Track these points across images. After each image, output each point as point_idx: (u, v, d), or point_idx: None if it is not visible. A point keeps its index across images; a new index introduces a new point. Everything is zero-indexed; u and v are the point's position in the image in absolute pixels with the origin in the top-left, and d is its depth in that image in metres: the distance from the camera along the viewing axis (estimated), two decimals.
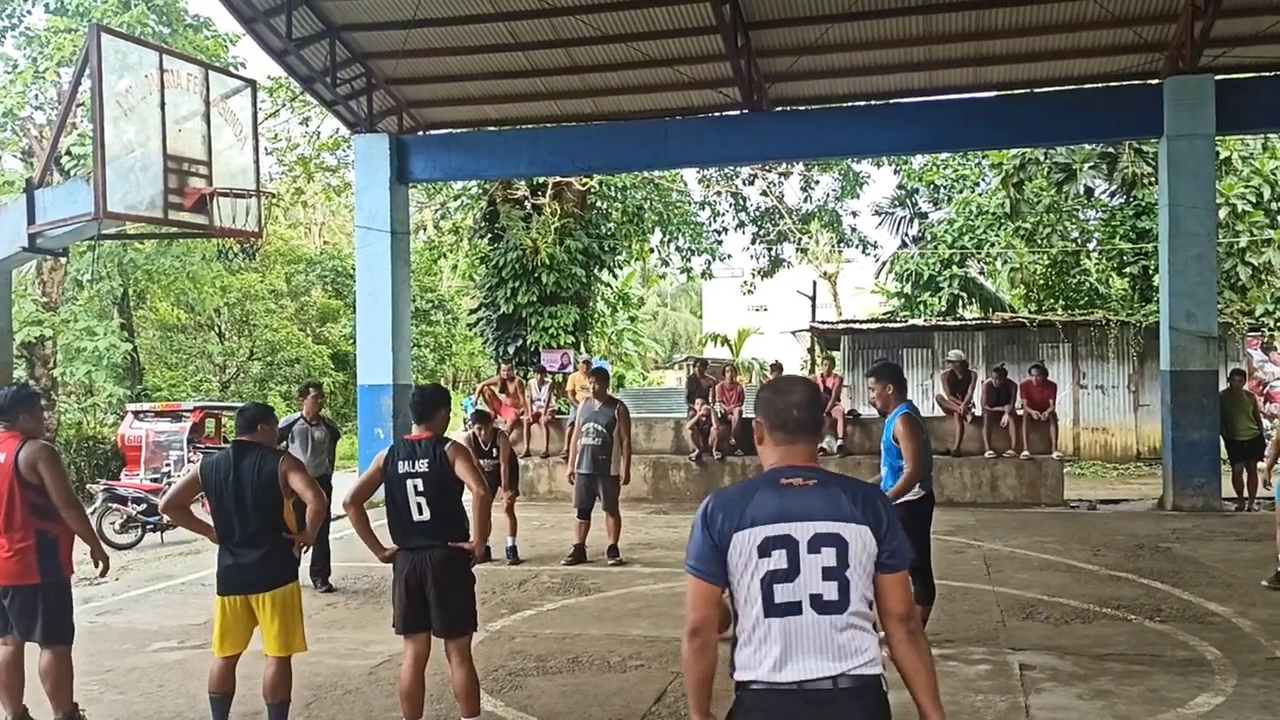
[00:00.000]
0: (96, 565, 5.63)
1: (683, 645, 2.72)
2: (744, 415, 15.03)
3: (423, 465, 5.19)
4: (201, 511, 5.58)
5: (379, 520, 5.37)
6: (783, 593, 2.60)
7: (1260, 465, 12.61)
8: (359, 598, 8.90)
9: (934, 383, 17.52)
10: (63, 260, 19.53)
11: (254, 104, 9.51)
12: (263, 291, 29.55)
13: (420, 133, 16.47)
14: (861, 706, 2.62)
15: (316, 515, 5.42)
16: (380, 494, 5.46)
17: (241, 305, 28.87)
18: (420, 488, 5.18)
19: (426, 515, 5.18)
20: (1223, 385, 13.81)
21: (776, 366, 16.11)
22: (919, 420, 6.37)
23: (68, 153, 18.95)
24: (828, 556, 2.60)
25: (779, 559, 2.60)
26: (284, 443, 10.58)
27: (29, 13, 21.93)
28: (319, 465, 9.59)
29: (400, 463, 5.23)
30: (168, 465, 16.76)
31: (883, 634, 2.71)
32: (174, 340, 28.74)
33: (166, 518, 12.88)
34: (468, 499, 5.32)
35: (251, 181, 9.19)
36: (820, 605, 2.60)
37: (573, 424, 15.24)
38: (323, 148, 21.95)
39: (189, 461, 15.35)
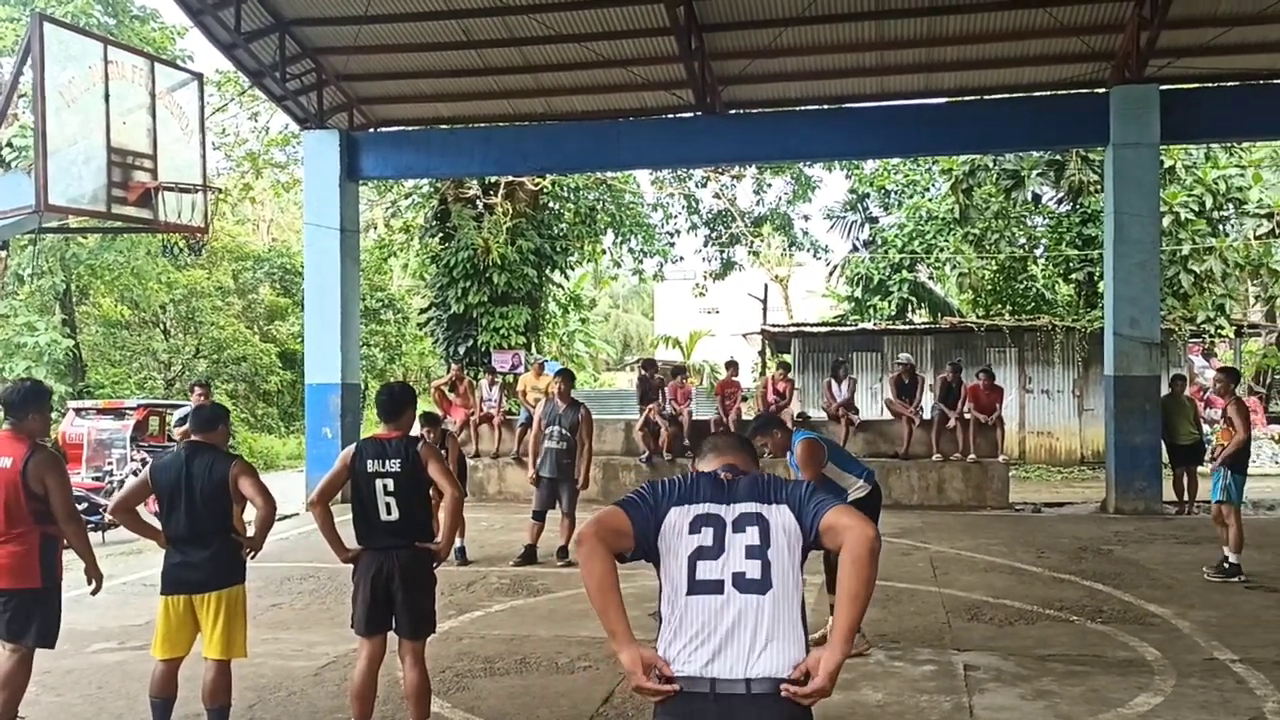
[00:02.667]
0: (90, 582, 5.51)
1: (580, 556, 2.73)
2: (694, 417, 15.06)
3: (394, 465, 5.12)
4: (148, 514, 5.46)
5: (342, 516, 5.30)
6: (705, 569, 2.68)
7: (1202, 470, 12.86)
8: (304, 598, 8.78)
9: (883, 386, 17.68)
10: (3, 254, 19.10)
11: (200, 97, 9.37)
12: (209, 288, 29.12)
13: (371, 130, 16.32)
14: (776, 710, 2.59)
15: (266, 521, 5.33)
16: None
17: (187, 302, 28.43)
18: (390, 487, 5.11)
19: (395, 515, 5.12)
20: (1165, 391, 14.07)
21: (731, 364, 16.13)
22: (816, 442, 6.73)
23: (9, 144, 18.53)
24: (751, 535, 2.70)
25: (706, 536, 2.72)
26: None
27: None
28: None
29: (369, 461, 5.15)
30: (110, 464, 16.44)
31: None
32: (118, 337, 28.21)
33: (110, 518, 12.72)
34: None
35: (197, 176, 9.05)
36: (742, 584, 2.65)
37: (525, 424, 15.22)
38: (272, 143, 21.67)
39: (131, 460, 15.08)
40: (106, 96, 8.16)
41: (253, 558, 5.43)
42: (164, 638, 5.24)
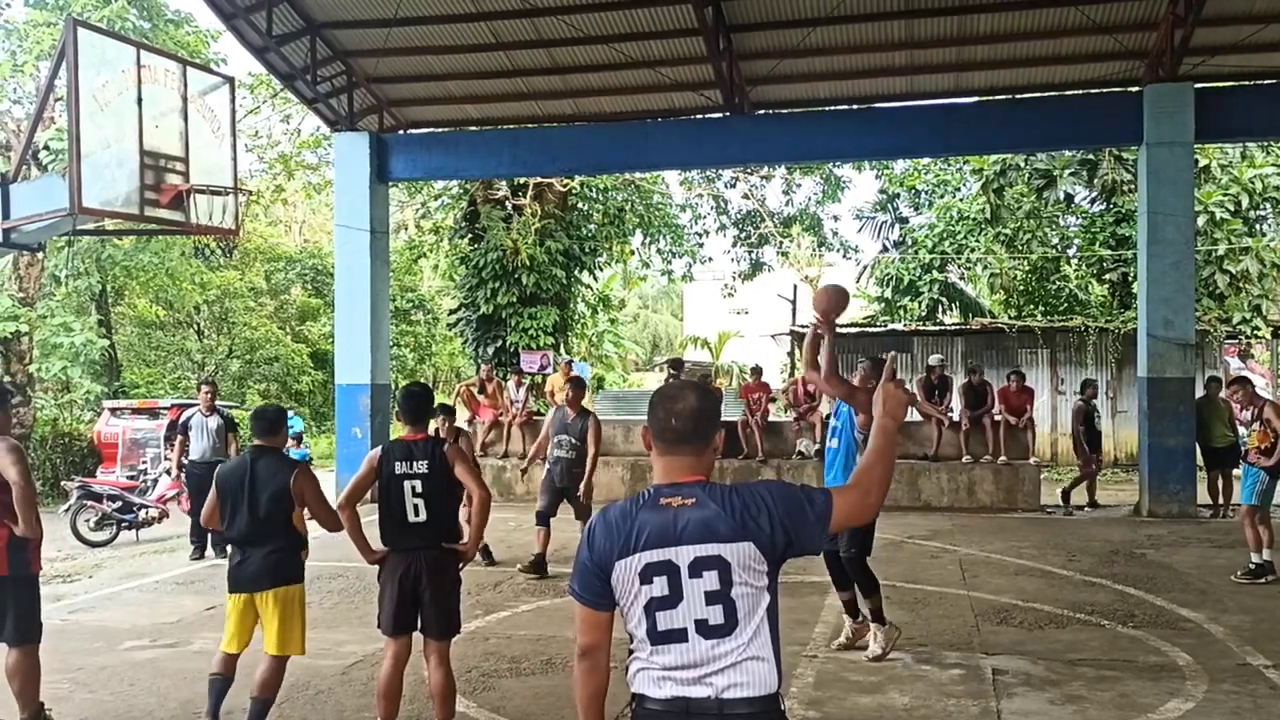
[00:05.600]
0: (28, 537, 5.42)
1: (574, 664, 2.71)
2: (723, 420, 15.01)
3: (422, 466, 5.15)
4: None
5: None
6: (666, 619, 2.53)
7: (1236, 472, 12.70)
8: (333, 597, 8.85)
9: (912, 387, 17.56)
10: (40, 255, 19.37)
11: (232, 100, 9.45)
12: (242, 289, 29.37)
13: (401, 131, 16.41)
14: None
15: (328, 527, 5.46)
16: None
17: (220, 303, 28.69)
18: (419, 489, 5.14)
19: (423, 517, 5.15)
20: (1199, 392, 13.90)
21: (756, 370, 16.09)
22: None
23: (45, 147, 18.78)
24: (710, 580, 2.50)
25: (660, 586, 2.52)
26: (183, 434, 11.16)
27: (8, 5, 21.86)
28: (215, 451, 11.01)
29: (397, 463, 5.18)
30: (144, 463, 16.63)
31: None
32: (152, 337, 28.52)
33: (143, 515, 12.84)
34: None
35: (229, 178, 9.13)
36: (706, 630, 2.51)
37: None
38: (303, 145, 21.85)
39: (165, 459, 15.22)
40: (139, 100, 8.25)
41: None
42: (232, 634, 5.45)
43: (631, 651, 2.63)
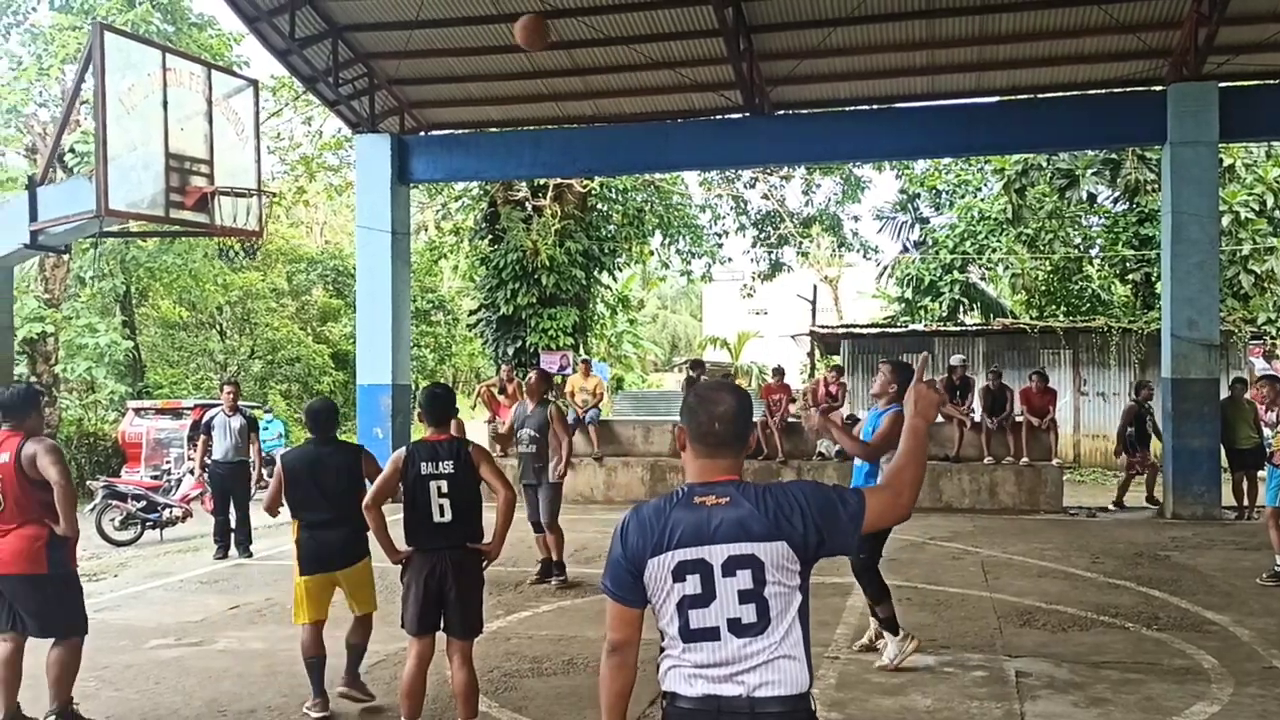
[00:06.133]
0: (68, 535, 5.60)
1: (602, 660, 2.71)
2: None
3: (447, 467, 5.18)
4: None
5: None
6: (698, 618, 2.54)
7: (1262, 474, 12.60)
8: None
9: None
10: (65, 257, 19.53)
11: (255, 103, 9.51)
12: (264, 290, 29.53)
13: (422, 133, 16.48)
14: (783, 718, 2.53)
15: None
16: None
17: (243, 303, 28.86)
18: (444, 489, 5.17)
19: (448, 517, 5.18)
20: (1224, 393, 13.80)
21: (778, 371, 16.06)
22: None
23: (71, 150, 18.97)
24: (743, 579, 2.52)
25: (693, 584, 2.54)
26: (205, 434, 11.25)
27: (34, 9, 21.97)
28: (238, 451, 11.24)
29: (422, 464, 5.20)
30: (168, 462, 16.76)
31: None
32: (175, 338, 28.72)
33: (167, 514, 12.95)
34: None
35: (253, 180, 9.19)
36: (739, 629, 2.52)
37: (572, 426, 15.28)
38: (325, 147, 21.98)
39: (188, 459, 15.35)
40: (165, 103, 8.31)
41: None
42: (308, 608, 5.86)
43: (663, 649, 2.64)
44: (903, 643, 6.55)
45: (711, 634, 2.53)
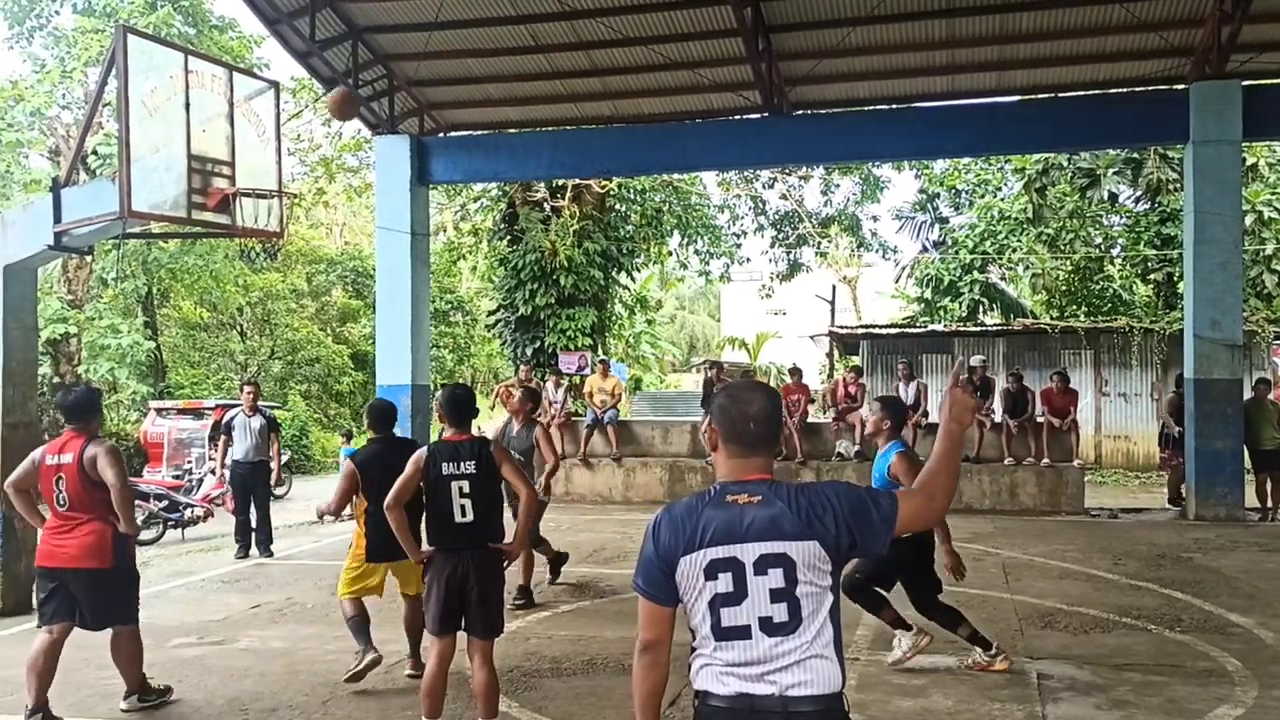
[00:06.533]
0: (131, 534, 6.04)
1: (634, 659, 2.72)
2: None
3: (469, 467, 5.20)
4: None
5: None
6: (730, 616, 2.55)
7: None
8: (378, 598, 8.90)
9: None
10: (88, 258, 19.66)
11: (277, 105, 9.51)
12: (284, 291, 29.67)
13: (441, 134, 16.52)
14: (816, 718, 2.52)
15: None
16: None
17: (263, 304, 29.01)
18: (466, 489, 5.19)
19: (470, 517, 5.20)
20: (1247, 394, 13.69)
21: (795, 371, 16.03)
22: (915, 455, 6.24)
23: (94, 152, 19.10)
24: (775, 578, 2.52)
25: (725, 582, 2.54)
26: (226, 435, 11.32)
27: (57, 13, 22.13)
28: (258, 451, 11.36)
29: (444, 464, 5.22)
30: (189, 462, 16.87)
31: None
32: (196, 338, 28.89)
33: (189, 514, 13.04)
34: None
35: (274, 182, 9.21)
36: (770, 628, 2.53)
37: (591, 426, 15.30)
38: (344, 149, 22.08)
39: (209, 459, 15.44)
40: (187, 105, 8.33)
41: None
42: (360, 586, 6.45)
43: (694, 649, 2.64)
44: (916, 638, 6.52)
45: (743, 632, 2.54)
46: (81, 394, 5.99)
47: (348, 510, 6.84)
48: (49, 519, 5.81)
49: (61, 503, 5.70)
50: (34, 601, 5.92)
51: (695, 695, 2.65)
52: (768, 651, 2.53)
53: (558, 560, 9.50)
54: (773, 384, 32.73)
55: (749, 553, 2.54)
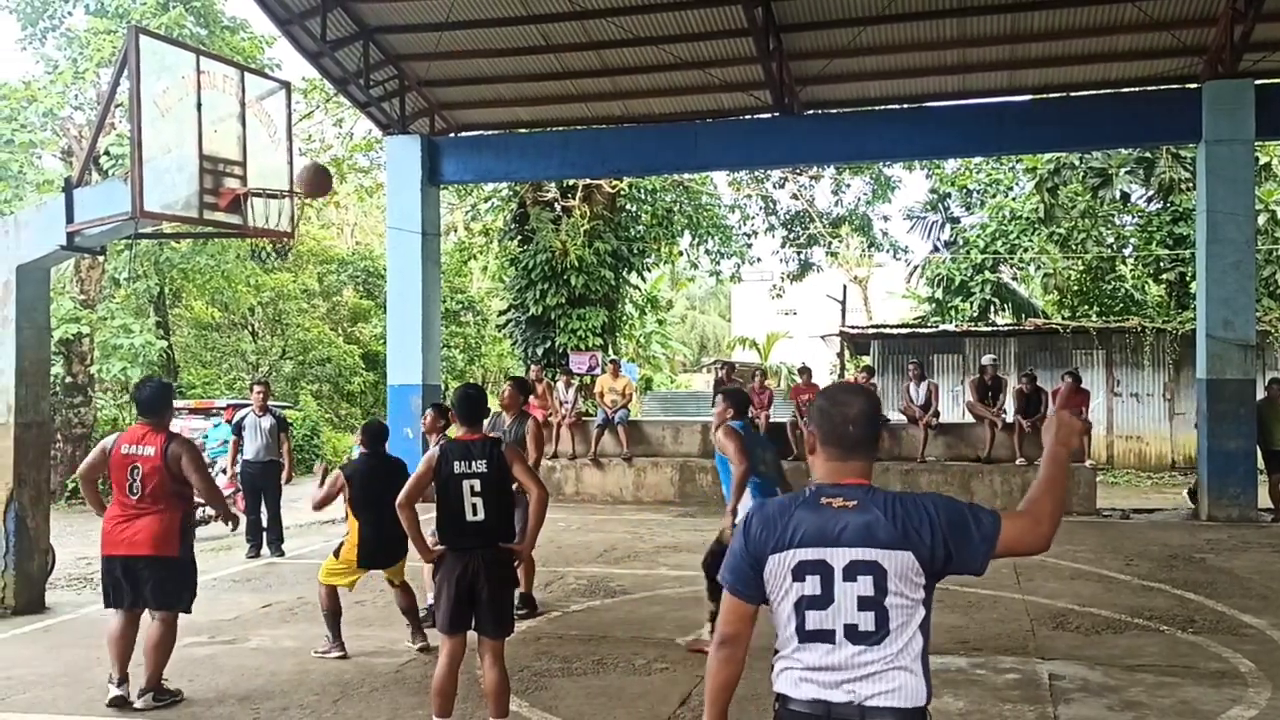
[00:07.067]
0: (226, 523, 6.82)
1: (710, 651, 2.69)
2: (771, 420, 14.99)
3: (481, 466, 5.20)
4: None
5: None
6: (815, 619, 2.50)
7: None
8: (386, 596, 8.90)
9: (965, 389, 17.40)
10: (100, 259, 19.72)
11: (288, 105, 9.52)
12: (295, 291, 29.72)
13: (452, 134, 16.55)
14: None
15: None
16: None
17: (274, 304, 29.06)
18: (478, 488, 5.19)
19: (481, 516, 5.20)
20: (1260, 394, 13.63)
21: (804, 370, 16.00)
22: (742, 435, 6.50)
23: (106, 153, 19.14)
24: (864, 585, 2.48)
25: (812, 585, 2.50)
26: (236, 435, 11.33)
27: (69, 14, 22.19)
28: (269, 450, 11.43)
29: (456, 463, 5.22)
30: None
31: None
32: (208, 339, 28.97)
33: (200, 514, 13.11)
34: None
35: (285, 182, 9.22)
36: (855, 635, 2.48)
37: (601, 426, 15.30)
38: (355, 149, 22.10)
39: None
40: (199, 106, 8.35)
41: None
42: (340, 580, 7.03)
43: (777, 651, 2.61)
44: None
45: (826, 636, 2.50)
46: (155, 388, 6.28)
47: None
48: (112, 508, 6.05)
49: (134, 492, 5.94)
50: (102, 589, 6.15)
51: (775, 698, 2.62)
52: (849, 659, 2.49)
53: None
54: (782, 384, 32.73)
55: (839, 557, 2.49)
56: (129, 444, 6.04)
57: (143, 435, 6.05)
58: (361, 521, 6.86)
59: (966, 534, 2.53)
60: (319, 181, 7.05)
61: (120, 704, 5.92)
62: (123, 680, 6.00)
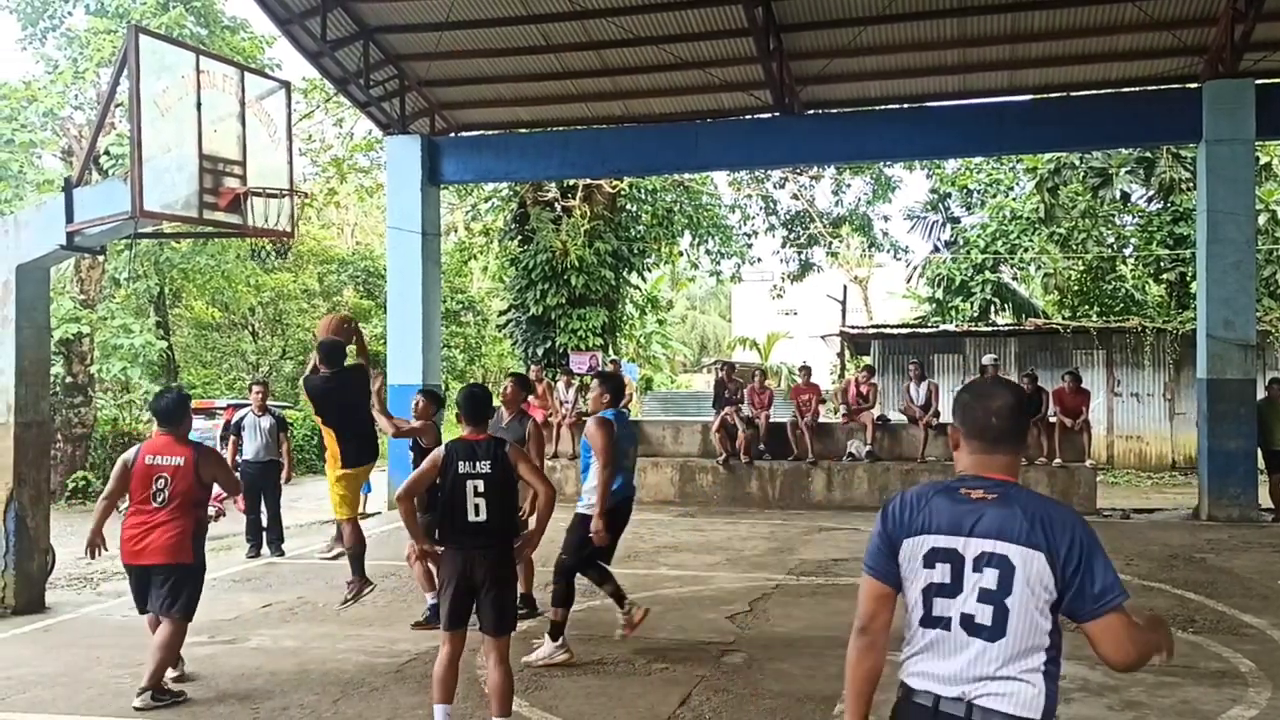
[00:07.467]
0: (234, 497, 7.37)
1: (850, 641, 2.66)
2: (771, 420, 14.98)
3: (485, 466, 5.20)
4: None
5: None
6: (940, 607, 2.50)
7: None
8: (386, 595, 8.93)
9: None
10: (100, 258, 19.72)
11: (288, 105, 9.52)
12: (295, 291, 29.76)
13: (452, 134, 16.55)
14: None
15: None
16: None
17: (275, 304, 29.10)
18: (481, 489, 5.19)
19: (483, 516, 5.20)
20: (1260, 394, 13.62)
21: (805, 370, 16.00)
22: (613, 427, 6.79)
23: (106, 152, 19.14)
24: (989, 578, 2.44)
25: (942, 572, 2.50)
26: (235, 435, 11.32)
27: (70, 14, 22.20)
28: (268, 450, 11.45)
29: (460, 463, 5.22)
30: None
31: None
32: (208, 339, 29.01)
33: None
34: None
35: (285, 181, 9.22)
36: (971, 626, 2.45)
37: None
38: (355, 149, 22.10)
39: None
40: (198, 105, 8.34)
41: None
42: (354, 503, 7.80)
43: (906, 640, 2.62)
44: (556, 652, 6.72)
45: (944, 624, 2.49)
46: (174, 399, 6.44)
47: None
48: (132, 517, 6.15)
49: (161, 501, 6.08)
50: (133, 597, 6.32)
51: (898, 686, 2.63)
52: (962, 651, 2.46)
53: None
54: (782, 384, 32.71)
55: (970, 547, 2.47)
56: (153, 454, 6.18)
57: (168, 445, 6.20)
58: (335, 432, 7.44)
59: (1093, 570, 2.45)
60: (340, 327, 7.58)
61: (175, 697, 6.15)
62: (178, 678, 6.29)
